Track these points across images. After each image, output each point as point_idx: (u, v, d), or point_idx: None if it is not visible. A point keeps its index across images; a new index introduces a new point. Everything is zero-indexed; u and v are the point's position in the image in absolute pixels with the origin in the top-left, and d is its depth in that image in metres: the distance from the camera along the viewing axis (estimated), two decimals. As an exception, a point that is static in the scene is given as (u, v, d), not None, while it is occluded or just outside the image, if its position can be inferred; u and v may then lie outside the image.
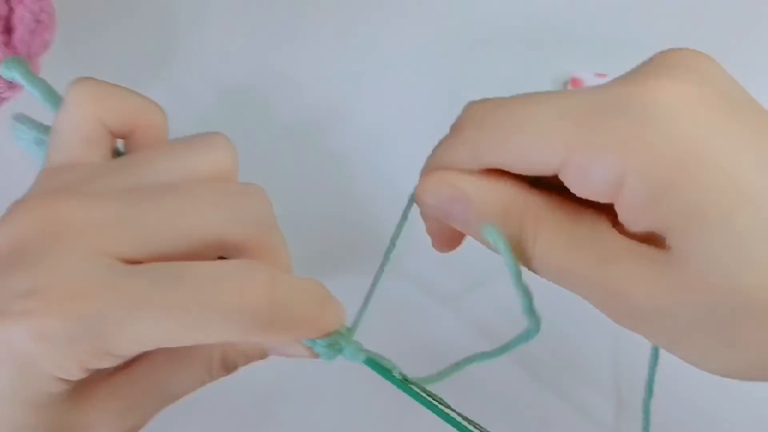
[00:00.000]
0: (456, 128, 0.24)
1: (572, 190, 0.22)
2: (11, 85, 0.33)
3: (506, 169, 0.23)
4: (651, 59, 0.23)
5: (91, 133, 0.25)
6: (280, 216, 0.24)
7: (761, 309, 0.20)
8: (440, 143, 0.25)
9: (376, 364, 0.24)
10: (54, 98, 0.29)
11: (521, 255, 0.23)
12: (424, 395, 0.24)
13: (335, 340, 0.23)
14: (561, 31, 0.44)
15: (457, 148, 0.23)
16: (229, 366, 0.25)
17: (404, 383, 0.24)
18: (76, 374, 0.21)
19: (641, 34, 0.44)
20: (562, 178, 0.22)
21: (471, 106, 0.24)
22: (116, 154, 0.26)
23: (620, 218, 0.22)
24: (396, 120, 0.42)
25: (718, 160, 0.20)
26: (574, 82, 0.41)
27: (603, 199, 0.22)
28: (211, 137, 0.25)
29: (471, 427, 0.25)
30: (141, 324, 0.20)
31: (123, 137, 0.26)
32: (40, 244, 0.21)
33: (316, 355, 0.24)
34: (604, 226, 0.22)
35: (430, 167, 0.25)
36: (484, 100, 0.24)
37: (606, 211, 0.23)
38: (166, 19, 0.44)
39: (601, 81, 0.41)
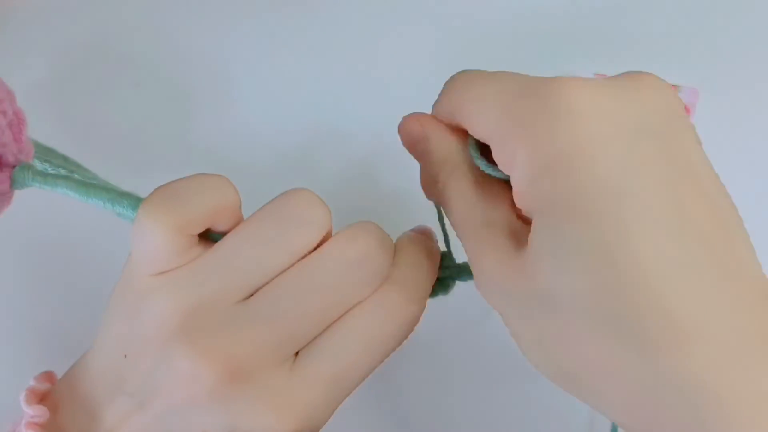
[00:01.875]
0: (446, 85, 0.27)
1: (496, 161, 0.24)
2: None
3: (465, 128, 0.25)
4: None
5: (179, 246, 0.25)
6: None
7: (566, 314, 0.21)
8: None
9: None
10: (86, 190, 0.27)
11: (438, 196, 0.26)
12: None
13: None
14: (561, 31, 0.44)
15: (441, 102, 0.27)
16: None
17: None
18: None
19: (641, 33, 0.44)
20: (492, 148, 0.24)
21: (464, 72, 0.26)
22: None
23: (514, 198, 0.23)
24: (395, 120, 0.42)
25: (594, 167, 0.20)
26: (574, 82, 0.41)
27: (508, 174, 0.23)
28: (299, 207, 0.25)
29: None
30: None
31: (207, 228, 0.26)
32: (232, 391, 0.24)
33: None
34: (507, 202, 0.24)
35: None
36: (475, 71, 0.26)
37: None
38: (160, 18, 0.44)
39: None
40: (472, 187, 0.25)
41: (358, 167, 0.41)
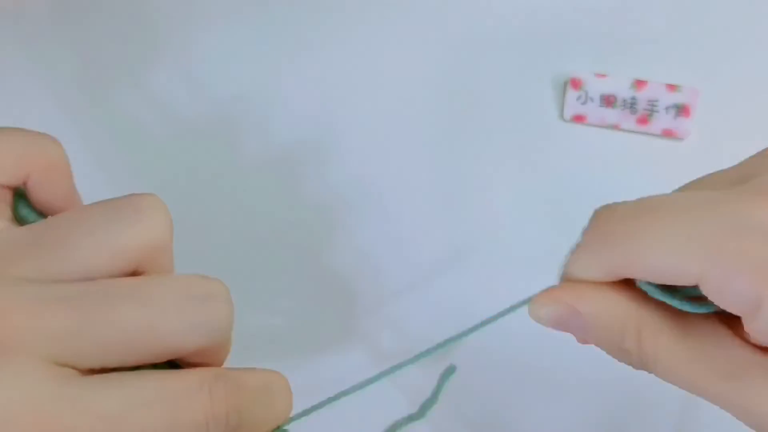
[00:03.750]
0: (586, 238, 0.23)
1: (712, 300, 0.22)
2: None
3: (638, 278, 0.23)
4: (759, 157, 0.23)
5: None
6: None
7: None
8: (572, 253, 0.24)
9: None
10: None
11: (643, 368, 0.23)
12: None
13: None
14: (561, 31, 0.44)
15: (586, 261, 0.23)
16: None
17: None
18: None
19: (641, 34, 0.44)
20: (701, 289, 0.21)
21: (598, 214, 0.23)
22: (21, 200, 0.23)
23: (754, 336, 0.21)
24: (395, 120, 0.42)
25: None
26: (574, 82, 0.42)
27: (742, 314, 0.21)
28: (139, 203, 0.21)
29: None
30: None
31: (19, 186, 0.23)
32: None
33: None
34: (727, 339, 0.22)
35: (563, 277, 0.24)
36: (611, 207, 0.23)
37: (729, 319, 0.22)
38: (152, 21, 0.44)
39: (601, 81, 0.41)
40: (680, 340, 0.22)
41: (354, 169, 0.41)
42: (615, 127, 0.41)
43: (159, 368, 0.21)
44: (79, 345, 0.19)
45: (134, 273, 0.22)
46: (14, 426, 0.18)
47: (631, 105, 0.41)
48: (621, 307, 0.23)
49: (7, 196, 0.23)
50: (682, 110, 0.40)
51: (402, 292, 0.39)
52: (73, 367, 0.19)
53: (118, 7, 0.44)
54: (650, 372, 0.23)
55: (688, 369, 0.22)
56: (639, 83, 0.41)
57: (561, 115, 0.42)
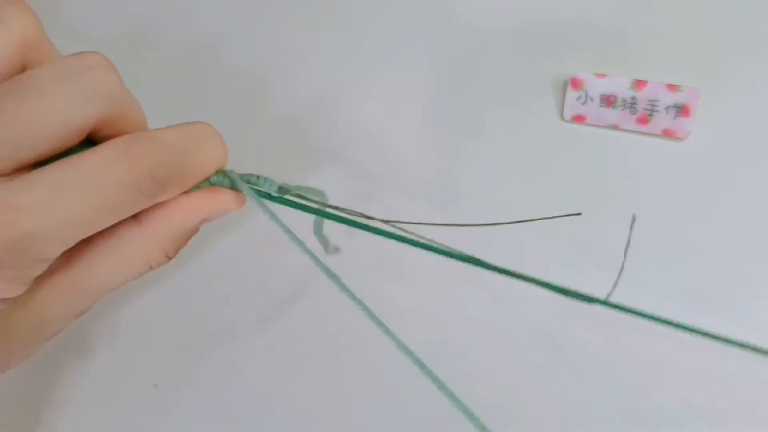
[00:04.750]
0: None
1: None
2: None
3: None
4: None
5: None
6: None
7: None
8: None
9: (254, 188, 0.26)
10: None
11: None
12: (302, 201, 0.27)
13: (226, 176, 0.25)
14: (561, 31, 0.44)
15: None
16: (169, 252, 0.26)
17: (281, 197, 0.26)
18: (18, 289, 0.21)
19: (641, 34, 0.44)
20: None
21: None
22: None
23: None
24: (395, 120, 0.42)
25: None
26: (574, 82, 0.42)
27: None
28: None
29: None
30: (60, 228, 0.21)
31: None
32: None
33: (240, 203, 0.26)
34: None
35: None
36: None
37: None
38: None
39: (602, 80, 0.41)
40: None
41: (352, 167, 0.41)
42: (615, 127, 0.41)
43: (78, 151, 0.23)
44: None
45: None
46: None
47: (631, 105, 0.41)
48: None
49: None
50: (682, 110, 0.40)
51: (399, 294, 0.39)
52: None
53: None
54: None
55: None
56: (639, 83, 0.41)
57: (561, 115, 0.42)
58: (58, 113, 0.22)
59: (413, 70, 0.43)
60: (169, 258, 0.26)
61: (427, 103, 0.42)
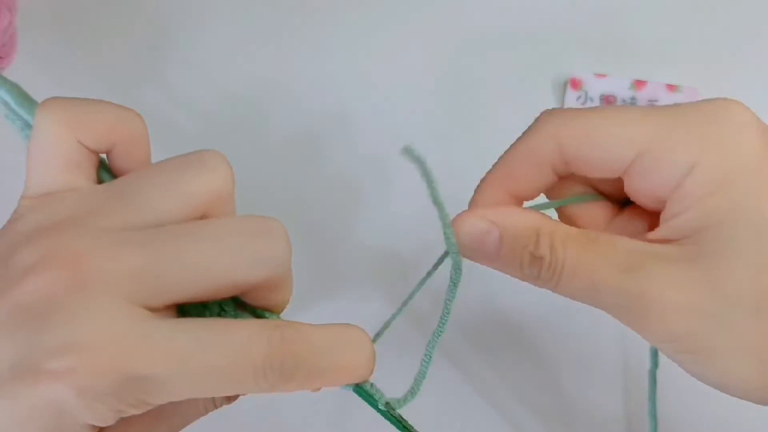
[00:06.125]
0: (537, 121, 0.26)
1: (632, 185, 0.25)
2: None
3: (581, 166, 0.25)
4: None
5: (71, 156, 0.24)
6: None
7: None
8: (522, 137, 0.26)
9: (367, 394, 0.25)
10: (28, 103, 0.26)
11: (551, 276, 0.25)
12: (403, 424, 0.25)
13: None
14: (561, 31, 0.44)
15: (542, 138, 0.25)
16: (231, 397, 0.26)
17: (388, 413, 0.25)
18: (110, 421, 0.21)
19: (641, 34, 0.44)
20: (630, 172, 0.24)
21: (552, 115, 0.25)
22: (102, 166, 0.25)
23: (669, 210, 0.24)
24: (396, 120, 0.42)
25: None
26: (574, 82, 0.42)
27: (661, 190, 0.24)
28: (204, 156, 0.24)
29: None
30: (183, 382, 0.21)
31: (104, 152, 0.25)
32: (67, 296, 0.21)
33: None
34: (625, 239, 0.24)
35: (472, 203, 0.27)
36: (556, 112, 0.25)
37: (624, 226, 0.26)
38: (164, 20, 0.44)
39: (601, 81, 0.41)
40: (585, 243, 0.24)
41: (355, 167, 0.41)
42: (615, 127, 0.41)
43: (225, 311, 0.24)
44: (150, 282, 0.21)
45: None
46: (97, 355, 0.20)
47: (631, 105, 0.41)
48: (533, 218, 0.25)
49: (94, 160, 0.25)
50: (681, 110, 0.40)
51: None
52: (147, 307, 0.21)
53: (123, 5, 0.44)
54: (554, 285, 0.24)
55: (592, 268, 0.23)
56: (639, 83, 0.41)
57: (561, 115, 0.42)
58: (227, 268, 0.22)
59: (413, 71, 0.43)
60: (230, 402, 0.26)
61: (427, 103, 0.42)
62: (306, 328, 0.23)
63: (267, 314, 0.25)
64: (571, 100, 0.41)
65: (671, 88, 0.41)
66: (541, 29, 0.44)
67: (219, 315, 0.24)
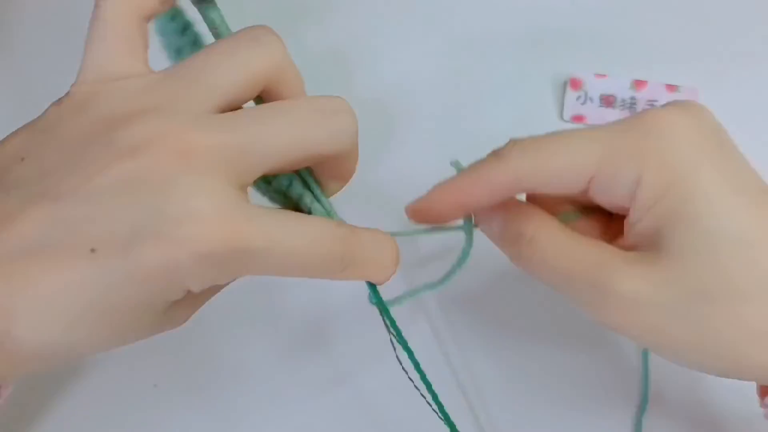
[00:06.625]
0: (499, 155, 0.27)
1: (597, 201, 0.27)
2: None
3: (541, 190, 0.27)
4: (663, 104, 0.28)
5: (134, 38, 0.25)
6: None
7: (725, 299, 0.24)
8: (483, 164, 0.28)
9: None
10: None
11: (523, 260, 0.28)
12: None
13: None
14: (561, 31, 0.44)
15: (501, 172, 0.27)
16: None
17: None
18: (203, 288, 0.23)
19: (641, 34, 0.44)
20: (590, 191, 0.26)
21: (513, 140, 0.27)
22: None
23: (630, 219, 0.26)
24: (396, 119, 0.42)
25: (701, 176, 0.25)
26: (574, 82, 0.42)
27: (621, 202, 0.26)
28: (252, 32, 0.25)
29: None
30: (273, 258, 0.23)
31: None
32: (182, 173, 0.22)
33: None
34: (598, 241, 0.27)
35: (472, 181, 0.28)
36: (524, 137, 0.27)
37: (599, 231, 0.29)
38: None
39: (601, 81, 0.41)
40: (567, 237, 0.27)
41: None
42: (615, 127, 0.41)
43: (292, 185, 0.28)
44: (243, 161, 0.23)
45: (264, 94, 0.26)
46: (215, 226, 0.22)
47: (631, 105, 0.41)
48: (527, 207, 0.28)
49: (147, 44, 0.26)
50: (681, 110, 0.40)
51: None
52: (238, 184, 0.23)
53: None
54: (527, 265, 0.27)
55: (567, 258, 0.26)
56: (638, 83, 0.41)
57: (561, 116, 0.42)
58: (311, 142, 0.25)
59: (413, 71, 0.43)
60: None
61: (427, 103, 0.42)
62: (357, 228, 0.26)
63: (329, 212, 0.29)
64: (571, 100, 0.41)
65: (671, 88, 0.41)
66: (541, 29, 0.44)
67: (287, 190, 0.28)
